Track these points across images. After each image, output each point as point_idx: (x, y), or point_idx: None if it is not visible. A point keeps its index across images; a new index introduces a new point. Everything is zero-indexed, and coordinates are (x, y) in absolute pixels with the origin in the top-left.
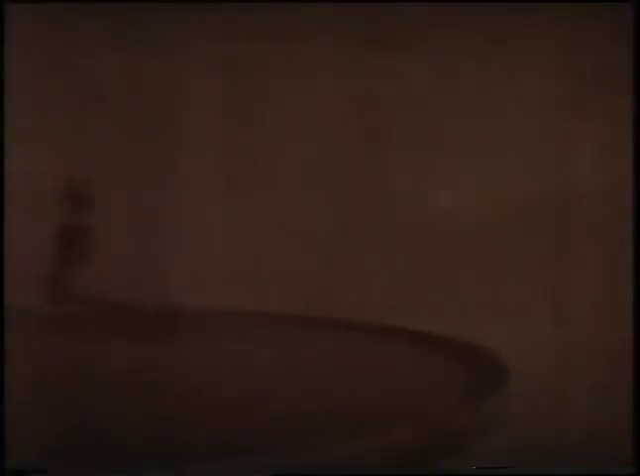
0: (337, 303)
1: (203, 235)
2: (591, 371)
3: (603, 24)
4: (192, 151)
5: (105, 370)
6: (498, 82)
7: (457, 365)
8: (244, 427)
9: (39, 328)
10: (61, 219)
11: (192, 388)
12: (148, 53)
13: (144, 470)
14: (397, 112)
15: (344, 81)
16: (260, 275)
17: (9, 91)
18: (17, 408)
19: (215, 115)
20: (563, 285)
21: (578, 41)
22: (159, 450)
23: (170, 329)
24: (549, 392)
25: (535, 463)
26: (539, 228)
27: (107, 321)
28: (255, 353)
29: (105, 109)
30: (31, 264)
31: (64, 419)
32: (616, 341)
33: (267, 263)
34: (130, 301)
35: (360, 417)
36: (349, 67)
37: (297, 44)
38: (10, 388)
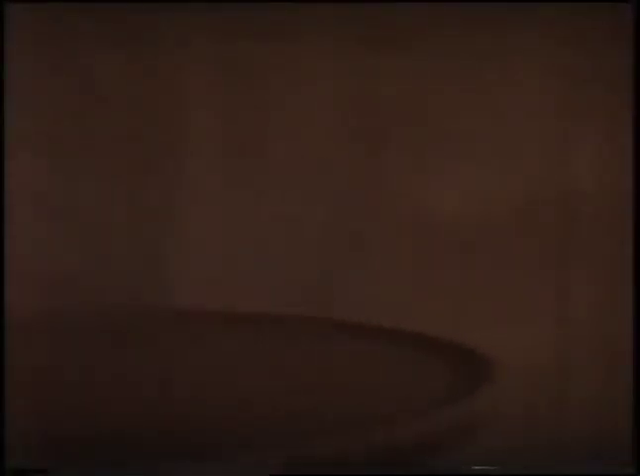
0: (336, 303)
1: (203, 235)
2: (591, 371)
3: (603, 24)
4: (192, 151)
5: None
6: (498, 82)
7: (452, 364)
8: (241, 428)
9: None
10: None
11: (192, 387)
12: (148, 53)
13: (144, 470)
14: (397, 112)
15: (344, 81)
16: (259, 275)
17: (9, 91)
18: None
19: (215, 115)
20: (563, 285)
21: (578, 41)
22: (158, 450)
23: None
24: (548, 391)
25: (534, 463)
26: (539, 228)
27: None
28: (257, 354)
29: (105, 109)
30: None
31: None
32: (616, 341)
33: (267, 263)
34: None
35: (348, 417)
36: (349, 67)
37: (297, 44)
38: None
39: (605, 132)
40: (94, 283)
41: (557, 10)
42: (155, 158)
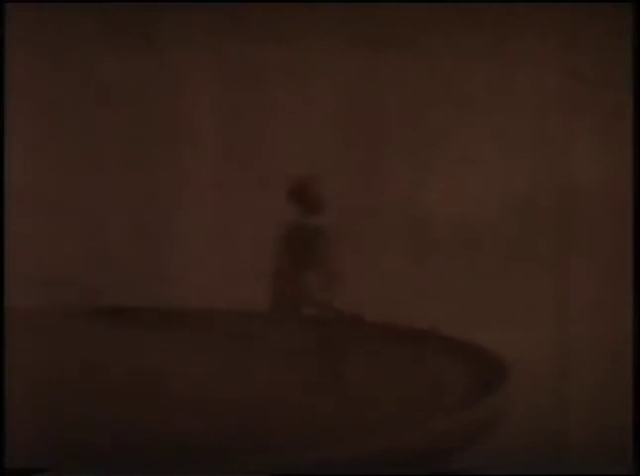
0: (337, 303)
1: (202, 234)
2: (592, 371)
3: (603, 24)
4: (192, 150)
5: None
6: (498, 82)
7: (457, 364)
8: (244, 427)
9: None
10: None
11: (191, 388)
12: (148, 53)
13: (144, 470)
14: (397, 112)
15: (344, 81)
16: (258, 274)
17: (9, 91)
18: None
19: (215, 115)
20: (564, 285)
21: (578, 41)
22: (159, 450)
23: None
24: (549, 392)
25: (535, 463)
26: (539, 228)
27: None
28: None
29: (105, 109)
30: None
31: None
32: (616, 341)
33: (266, 263)
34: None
35: (359, 416)
36: (348, 67)
37: (298, 44)
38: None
39: (605, 130)
40: (93, 282)
41: (557, 10)
42: (153, 157)
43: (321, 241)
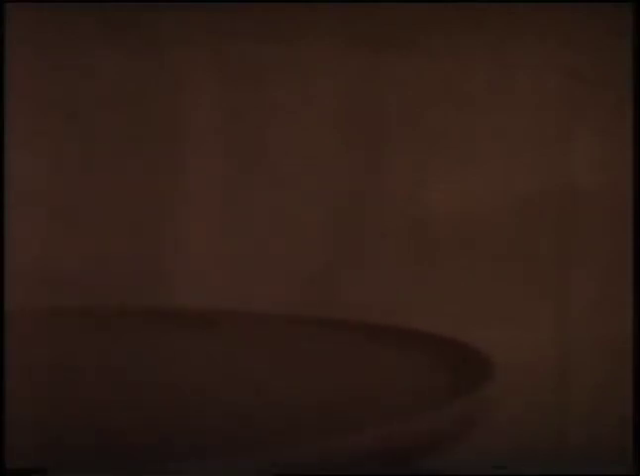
0: (334, 303)
1: (203, 234)
2: (592, 371)
3: (603, 24)
4: (192, 150)
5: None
6: (498, 82)
7: (438, 362)
8: (239, 427)
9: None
10: None
11: (191, 388)
12: (148, 53)
13: (144, 470)
14: (397, 112)
15: (344, 81)
16: (258, 275)
17: (9, 91)
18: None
19: (215, 115)
20: (564, 285)
21: (578, 41)
22: (158, 450)
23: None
24: (549, 392)
25: (535, 463)
26: (539, 228)
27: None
28: (252, 353)
29: (105, 109)
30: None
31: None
32: (616, 341)
33: (266, 263)
34: None
35: (342, 416)
36: (348, 67)
37: (298, 44)
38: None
39: (605, 131)
40: (93, 282)
41: (557, 10)
42: (154, 157)
43: None
